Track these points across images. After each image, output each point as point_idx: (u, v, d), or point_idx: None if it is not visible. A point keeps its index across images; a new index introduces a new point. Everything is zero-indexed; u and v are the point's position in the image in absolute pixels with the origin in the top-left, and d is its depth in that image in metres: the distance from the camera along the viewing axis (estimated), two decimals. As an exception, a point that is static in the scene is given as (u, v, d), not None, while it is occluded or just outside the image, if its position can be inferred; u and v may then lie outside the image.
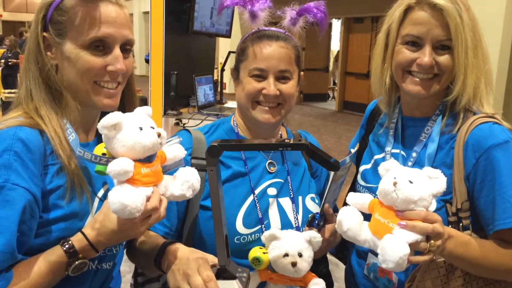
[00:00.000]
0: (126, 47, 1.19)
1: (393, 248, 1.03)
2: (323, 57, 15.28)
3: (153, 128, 1.07)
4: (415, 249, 1.08)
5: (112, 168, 0.99)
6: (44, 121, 1.10)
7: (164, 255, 1.21)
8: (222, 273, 1.15)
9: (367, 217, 1.18)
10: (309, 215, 1.36)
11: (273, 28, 1.42)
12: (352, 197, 1.21)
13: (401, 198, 1.08)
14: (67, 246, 1.05)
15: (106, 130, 1.02)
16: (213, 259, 1.17)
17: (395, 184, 1.09)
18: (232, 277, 1.14)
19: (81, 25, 1.12)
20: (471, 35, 1.26)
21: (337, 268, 1.95)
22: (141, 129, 1.04)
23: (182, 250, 1.20)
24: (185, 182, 1.10)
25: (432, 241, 1.09)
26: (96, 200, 1.18)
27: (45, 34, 1.15)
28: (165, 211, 1.09)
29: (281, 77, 1.38)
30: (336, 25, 16.01)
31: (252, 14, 1.39)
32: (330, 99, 15.99)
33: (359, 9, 12.22)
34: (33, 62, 1.15)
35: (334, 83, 16.27)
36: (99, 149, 1.06)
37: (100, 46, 1.14)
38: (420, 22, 1.28)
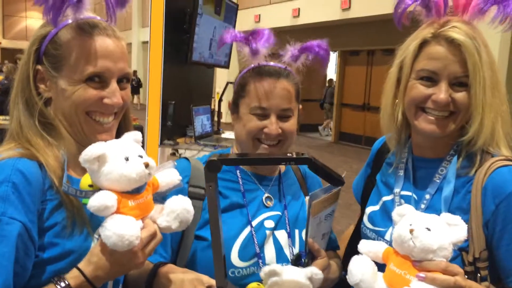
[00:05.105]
0: (124, 79, 1.16)
1: None
2: (319, 89, 15.44)
3: (141, 156, 1.01)
4: None
5: (92, 204, 0.94)
6: (39, 152, 1.06)
7: (156, 277, 1.16)
8: None
9: (380, 267, 1.11)
10: (294, 254, 1.31)
11: (273, 63, 1.39)
12: (364, 245, 1.14)
13: (419, 247, 1.01)
14: (62, 284, 0.98)
15: (88, 164, 0.97)
16: (208, 279, 1.12)
17: (411, 231, 1.02)
18: None
19: (78, 60, 1.09)
20: (489, 73, 1.19)
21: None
22: (127, 159, 0.98)
23: (174, 272, 1.15)
24: (171, 213, 1.04)
25: None
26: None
27: (39, 67, 1.12)
28: (160, 233, 1.04)
29: (283, 115, 1.36)
30: (332, 57, 16.25)
31: (253, 51, 1.37)
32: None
33: (355, 43, 12.44)
34: (21, 95, 1.12)
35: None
36: (86, 180, 1.01)
37: (97, 79, 1.10)
38: (437, 57, 1.21)
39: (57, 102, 1.12)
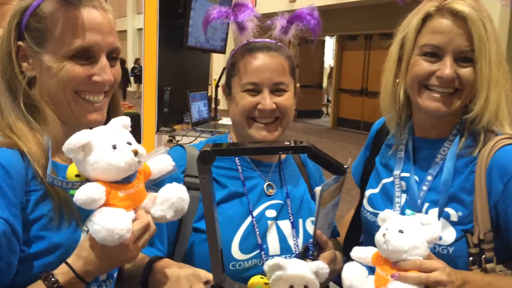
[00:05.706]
0: (113, 55, 1.09)
1: None
2: (316, 74, 15.36)
3: (130, 143, 0.95)
4: None
5: (78, 197, 0.88)
6: (22, 140, 0.99)
7: (151, 273, 1.13)
8: None
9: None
10: (302, 247, 1.28)
11: (263, 39, 1.36)
12: (355, 252, 1.16)
13: (391, 249, 1.05)
14: (51, 280, 0.92)
15: (73, 153, 0.90)
16: (205, 274, 1.09)
17: (384, 235, 1.06)
18: None
19: (63, 33, 1.01)
20: (494, 47, 1.15)
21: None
22: (114, 147, 0.92)
23: (170, 267, 1.11)
24: (165, 202, 0.99)
25: None
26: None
27: (20, 43, 1.04)
28: (154, 224, 0.99)
29: (276, 89, 1.31)
30: (329, 42, 16.14)
31: (239, 25, 1.33)
32: (323, 115, 16.03)
33: (353, 27, 12.32)
34: (2, 75, 1.04)
35: (328, 100, 16.34)
36: (73, 170, 0.95)
37: (85, 54, 1.03)
38: (441, 31, 1.17)
39: (42, 81, 1.05)
